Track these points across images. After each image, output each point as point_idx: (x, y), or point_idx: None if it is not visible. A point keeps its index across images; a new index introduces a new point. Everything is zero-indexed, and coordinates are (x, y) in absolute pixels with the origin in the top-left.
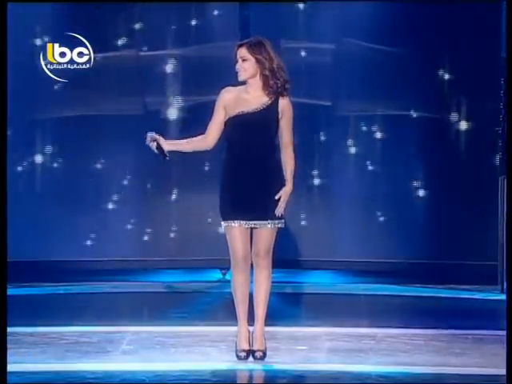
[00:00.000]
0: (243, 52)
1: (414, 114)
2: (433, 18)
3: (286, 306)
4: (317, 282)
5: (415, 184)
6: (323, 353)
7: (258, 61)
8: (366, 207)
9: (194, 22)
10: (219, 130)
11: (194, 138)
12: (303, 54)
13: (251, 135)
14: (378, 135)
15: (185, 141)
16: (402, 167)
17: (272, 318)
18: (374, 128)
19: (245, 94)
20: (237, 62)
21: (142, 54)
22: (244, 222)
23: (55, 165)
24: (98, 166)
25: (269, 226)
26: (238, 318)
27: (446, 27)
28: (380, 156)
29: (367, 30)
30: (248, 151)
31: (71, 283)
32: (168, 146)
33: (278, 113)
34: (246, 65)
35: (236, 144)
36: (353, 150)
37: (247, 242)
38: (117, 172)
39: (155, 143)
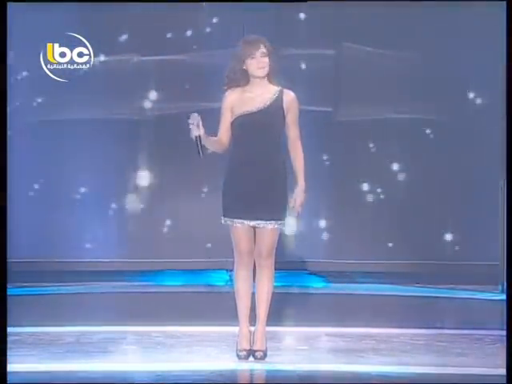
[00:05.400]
0: (263, 48)
1: (413, 116)
2: (433, 18)
3: (286, 306)
4: (316, 282)
5: (415, 184)
6: (323, 353)
7: (271, 59)
8: (366, 208)
9: (196, 27)
10: (230, 130)
11: (213, 139)
12: (302, 59)
13: (256, 134)
14: (378, 136)
15: (212, 138)
16: (402, 167)
17: (272, 317)
18: (374, 129)
19: (249, 93)
20: (253, 57)
21: (142, 58)
22: (246, 221)
23: (55, 164)
24: (101, 166)
25: (271, 226)
26: (240, 317)
27: (446, 27)
28: (380, 157)
29: (367, 33)
30: (253, 150)
31: (72, 283)
32: (205, 139)
33: (282, 109)
34: (266, 60)
35: (241, 143)
36: (354, 151)
37: (251, 238)
38: (119, 172)
39: (197, 131)
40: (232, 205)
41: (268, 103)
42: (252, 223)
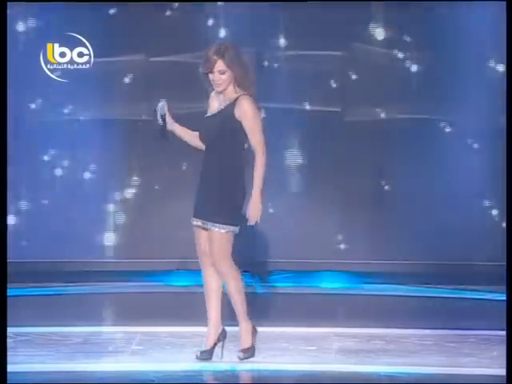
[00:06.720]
0: (221, 65)
1: (416, 116)
2: (434, 18)
3: (294, 307)
4: (325, 283)
5: (422, 184)
6: (332, 353)
7: (234, 72)
8: (372, 208)
9: (197, 27)
10: None
11: (192, 132)
12: (310, 60)
13: (208, 138)
14: (383, 137)
15: (188, 133)
16: (406, 168)
17: (280, 318)
18: (382, 129)
19: (219, 95)
20: (211, 72)
21: (142, 58)
22: (198, 220)
23: (55, 164)
24: (103, 166)
25: (216, 229)
26: (207, 316)
27: (446, 28)
28: (384, 157)
29: (373, 34)
30: (207, 154)
31: (81, 283)
32: (172, 125)
33: (233, 118)
34: (224, 77)
35: (204, 147)
36: (361, 152)
37: (204, 239)
38: (120, 172)
39: (162, 114)
40: (194, 205)
41: (220, 109)
42: (199, 222)
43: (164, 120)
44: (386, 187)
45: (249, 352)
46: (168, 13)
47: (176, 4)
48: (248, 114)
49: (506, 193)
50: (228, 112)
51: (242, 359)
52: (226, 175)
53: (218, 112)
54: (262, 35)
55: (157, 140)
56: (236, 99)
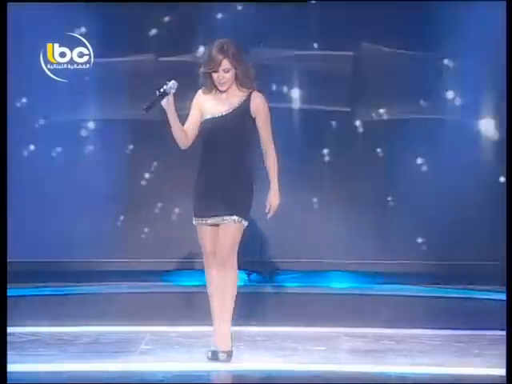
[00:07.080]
0: (226, 64)
1: (421, 116)
2: (439, 18)
3: (305, 307)
4: (335, 283)
5: (423, 184)
6: (342, 353)
7: (238, 69)
8: (382, 208)
9: (198, 27)
10: (194, 129)
11: (181, 125)
12: (320, 59)
13: (221, 137)
14: (384, 137)
15: (179, 123)
16: (412, 168)
17: (290, 318)
18: (392, 129)
19: (220, 95)
20: (216, 71)
21: (143, 58)
22: (207, 219)
23: (55, 164)
24: (104, 165)
25: (226, 221)
26: (212, 316)
27: (453, 28)
28: (389, 157)
29: (381, 33)
30: (217, 152)
31: (90, 283)
32: (168, 107)
33: (249, 114)
34: (228, 75)
35: (208, 145)
36: (369, 152)
37: (214, 239)
38: (125, 172)
39: (166, 91)
40: (197, 205)
41: (234, 107)
42: (211, 220)
43: (162, 95)
44: (393, 186)
45: (231, 355)
46: (168, 14)
47: (174, 8)
48: (263, 110)
49: (506, 193)
50: (245, 109)
51: (222, 360)
52: (241, 173)
53: (233, 111)
54: (266, 35)
55: (142, 107)
56: (249, 96)
